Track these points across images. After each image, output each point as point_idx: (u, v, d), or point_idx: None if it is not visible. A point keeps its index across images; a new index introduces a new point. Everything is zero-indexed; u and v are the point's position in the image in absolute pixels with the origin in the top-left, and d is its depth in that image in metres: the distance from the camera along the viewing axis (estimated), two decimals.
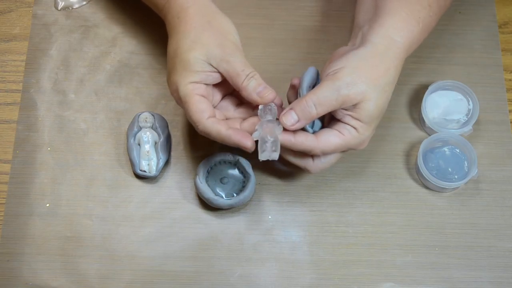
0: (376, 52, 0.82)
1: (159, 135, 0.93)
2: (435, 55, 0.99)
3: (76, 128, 0.95)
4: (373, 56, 0.82)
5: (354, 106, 0.81)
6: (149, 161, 0.91)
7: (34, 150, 0.93)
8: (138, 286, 0.88)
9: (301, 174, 0.93)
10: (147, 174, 0.91)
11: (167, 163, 0.93)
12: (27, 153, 0.93)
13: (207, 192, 0.89)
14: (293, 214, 0.91)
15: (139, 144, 0.92)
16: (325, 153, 0.83)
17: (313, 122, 0.84)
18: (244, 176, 0.91)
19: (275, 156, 0.81)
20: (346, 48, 0.86)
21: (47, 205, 0.91)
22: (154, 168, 0.91)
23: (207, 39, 0.82)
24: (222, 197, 0.90)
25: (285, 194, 0.92)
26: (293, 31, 1.00)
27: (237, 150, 0.86)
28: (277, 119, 0.82)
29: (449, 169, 0.92)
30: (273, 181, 0.92)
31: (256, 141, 0.82)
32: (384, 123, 0.90)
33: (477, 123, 0.94)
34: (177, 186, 0.92)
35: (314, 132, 0.83)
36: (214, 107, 0.85)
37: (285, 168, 0.93)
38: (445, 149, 0.93)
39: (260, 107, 0.83)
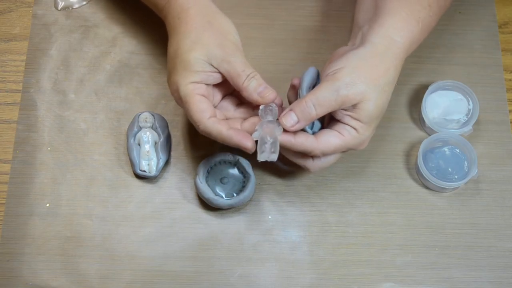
0: (376, 52, 0.82)
1: (159, 135, 0.93)
2: (435, 55, 0.99)
3: (76, 128, 0.95)
4: (372, 56, 0.82)
5: (354, 106, 0.81)
6: (149, 161, 0.91)
7: (34, 150, 0.93)
8: (138, 286, 0.88)
9: (301, 174, 0.93)
10: (147, 174, 0.91)
11: (167, 163, 0.93)
12: (27, 153, 0.93)
13: (207, 192, 0.89)
14: (293, 214, 0.91)
15: (139, 144, 0.92)
16: (325, 154, 0.83)
17: (313, 123, 0.84)
18: (244, 176, 0.91)
19: (273, 157, 0.81)
20: (346, 48, 0.86)
21: (47, 205, 0.91)
22: (154, 168, 0.91)
23: (208, 39, 0.82)
24: (222, 197, 0.90)
25: (285, 194, 0.92)
26: (293, 31, 1.00)
27: (237, 150, 0.86)
28: (277, 119, 0.82)
29: (449, 169, 0.92)
30: (273, 181, 0.92)
31: (256, 142, 0.82)
32: (384, 123, 0.90)
33: (477, 123, 0.94)
34: (177, 186, 0.92)
35: (313, 133, 0.83)
36: (214, 107, 0.85)
37: (285, 168, 0.93)
38: (445, 149, 0.93)
39: (261, 107, 0.83)
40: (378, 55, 0.82)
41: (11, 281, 0.88)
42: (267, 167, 0.92)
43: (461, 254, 0.90)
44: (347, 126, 0.82)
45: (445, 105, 0.95)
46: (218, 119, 0.83)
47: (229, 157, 0.90)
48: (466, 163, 0.92)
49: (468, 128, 0.93)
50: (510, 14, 1.02)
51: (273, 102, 0.83)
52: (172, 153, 0.94)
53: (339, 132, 0.82)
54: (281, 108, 0.84)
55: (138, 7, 0.98)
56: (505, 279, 0.89)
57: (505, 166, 0.94)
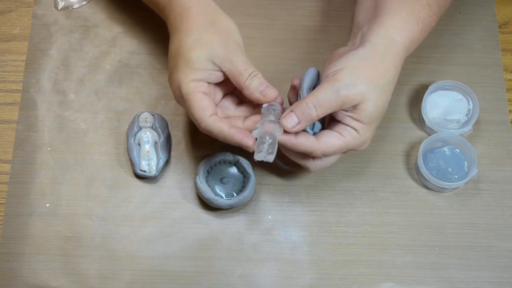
0: (376, 52, 0.82)
1: (159, 135, 0.93)
2: (435, 55, 0.99)
3: (76, 128, 0.95)
4: (372, 56, 0.82)
5: (354, 107, 0.81)
6: (149, 161, 0.91)
7: (34, 150, 0.93)
8: (138, 286, 0.88)
9: (301, 174, 0.93)
10: (147, 174, 0.91)
11: (167, 163, 0.93)
12: (27, 153, 0.93)
13: (207, 192, 0.89)
14: (293, 214, 0.91)
15: (139, 144, 0.92)
16: (325, 155, 0.83)
17: (313, 124, 0.84)
18: (244, 176, 0.91)
19: (270, 158, 0.81)
20: (346, 48, 0.86)
21: (47, 205, 0.91)
22: (154, 168, 0.91)
23: (210, 38, 0.83)
24: (222, 197, 0.90)
25: (285, 194, 0.92)
26: (293, 31, 1.00)
27: (238, 150, 0.86)
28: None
29: (449, 169, 0.92)
30: (273, 181, 0.92)
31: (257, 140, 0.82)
32: (384, 123, 0.90)
33: (477, 123, 0.94)
34: (177, 186, 0.92)
35: (314, 134, 0.83)
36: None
37: (285, 167, 0.93)
38: (445, 149, 0.93)
39: (264, 105, 0.83)
40: (378, 55, 0.82)
41: (11, 281, 0.88)
42: (267, 167, 0.92)
43: (461, 254, 0.90)
44: (347, 127, 0.82)
45: (445, 105, 0.95)
46: (220, 117, 0.83)
47: (229, 157, 0.90)
48: (466, 163, 0.92)
49: (468, 128, 0.93)
50: (510, 14, 1.02)
51: (274, 100, 0.83)
52: (172, 153, 0.94)
53: (339, 133, 0.82)
54: (282, 107, 0.84)
55: (138, 7, 0.98)
56: (505, 279, 0.89)
57: (505, 166, 0.94)
